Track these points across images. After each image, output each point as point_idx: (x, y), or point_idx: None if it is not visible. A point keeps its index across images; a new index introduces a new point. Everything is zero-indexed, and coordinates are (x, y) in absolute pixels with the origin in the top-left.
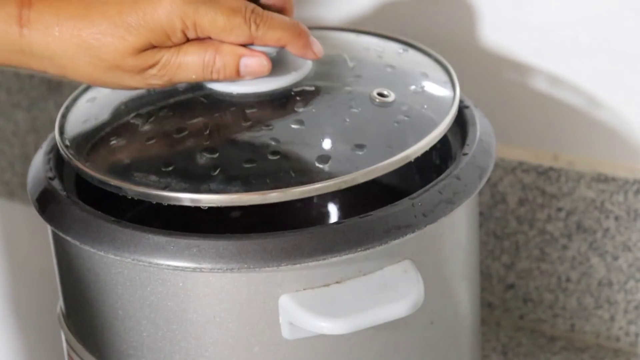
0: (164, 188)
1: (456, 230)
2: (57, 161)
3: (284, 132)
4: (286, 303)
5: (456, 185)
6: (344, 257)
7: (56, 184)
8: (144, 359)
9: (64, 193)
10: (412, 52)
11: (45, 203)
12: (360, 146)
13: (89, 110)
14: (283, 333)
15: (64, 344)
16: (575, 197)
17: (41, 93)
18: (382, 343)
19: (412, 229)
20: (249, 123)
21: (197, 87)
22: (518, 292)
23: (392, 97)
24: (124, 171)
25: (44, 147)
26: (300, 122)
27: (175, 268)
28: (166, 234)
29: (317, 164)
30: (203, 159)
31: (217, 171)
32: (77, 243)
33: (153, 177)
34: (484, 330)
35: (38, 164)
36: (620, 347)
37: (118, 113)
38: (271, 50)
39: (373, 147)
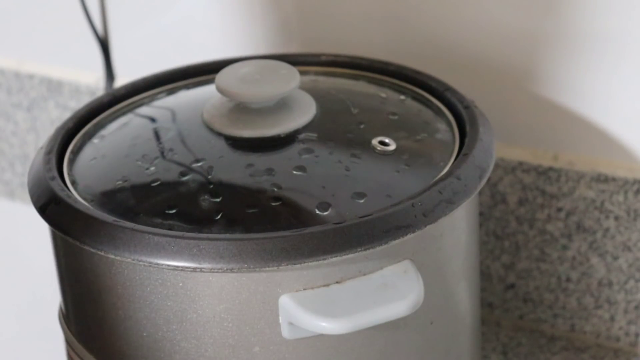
0: (168, 229)
1: (456, 230)
2: (57, 161)
3: (286, 178)
4: (286, 303)
5: (456, 186)
6: (344, 257)
7: (56, 184)
8: (144, 359)
9: (64, 193)
10: (414, 100)
11: (45, 203)
12: (360, 194)
13: (96, 149)
14: (283, 333)
15: (64, 344)
16: (575, 197)
17: (41, 93)
18: (382, 343)
19: (412, 229)
20: (252, 168)
21: (203, 130)
22: (518, 292)
23: (393, 145)
24: (128, 212)
25: (44, 147)
26: (302, 169)
27: (176, 268)
28: (166, 234)
29: (317, 211)
30: (206, 202)
31: (220, 215)
32: (77, 243)
33: (157, 220)
34: (484, 330)
35: (38, 164)
36: (620, 347)
37: (125, 153)
38: (273, 97)
39: (373, 196)
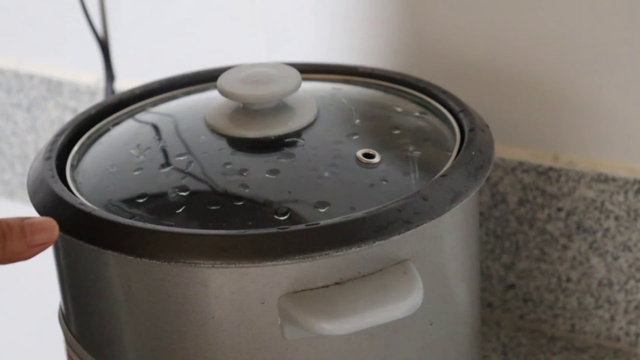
0: (131, 218)
1: (456, 231)
2: (57, 161)
3: (256, 180)
4: (285, 303)
5: (419, 206)
6: (345, 255)
7: (56, 184)
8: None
9: (64, 193)
10: (434, 117)
11: (45, 203)
12: (323, 203)
13: (96, 151)
14: (282, 334)
15: (64, 344)
16: (575, 197)
17: (41, 93)
18: (381, 344)
19: (359, 244)
20: (228, 167)
21: (200, 126)
22: (518, 292)
23: (377, 159)
24: (102, 195)
25: (44, 147)
26: (275, 172)
27: (176, 265)
28: (166, 231)
29: (275, 216)
30: (174, 195)
31: (182, 209)
32: (79, 242)
33: (124, 206)
34: (484, 330)
35: (38, 165)
36: (621, 347)
37: (123, 143)
38: (270, 99)
39: (336, 206)
